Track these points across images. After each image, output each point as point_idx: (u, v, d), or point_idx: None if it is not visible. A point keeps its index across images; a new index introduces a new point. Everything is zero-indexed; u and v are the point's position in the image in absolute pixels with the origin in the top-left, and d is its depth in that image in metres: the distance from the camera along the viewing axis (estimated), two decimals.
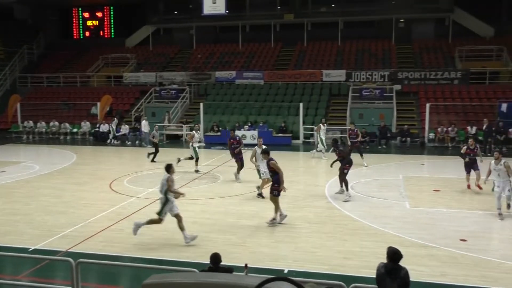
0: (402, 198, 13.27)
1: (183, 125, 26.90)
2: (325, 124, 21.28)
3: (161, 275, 3.71)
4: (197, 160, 17.43)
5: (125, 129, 26.85)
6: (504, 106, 23.87)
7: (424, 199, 13.15)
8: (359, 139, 19.02)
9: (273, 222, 10.81)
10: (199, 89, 31.76)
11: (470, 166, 14.14)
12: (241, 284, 3.42)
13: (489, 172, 11.87)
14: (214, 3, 24.74)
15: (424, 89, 27.74)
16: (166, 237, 10.06)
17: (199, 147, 18.13)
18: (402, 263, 5.72)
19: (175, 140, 26.54)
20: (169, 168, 9.79)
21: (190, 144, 17.49)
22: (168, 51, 37.36)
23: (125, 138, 26.34)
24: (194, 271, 5.65)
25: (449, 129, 23.55)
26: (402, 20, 34.14)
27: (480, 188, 13.70)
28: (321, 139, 20.41)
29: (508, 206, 11.32)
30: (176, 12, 38.11)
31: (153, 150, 20.13)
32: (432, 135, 23.97)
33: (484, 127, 22.03)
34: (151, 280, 3.60)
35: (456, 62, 29.72)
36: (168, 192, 9.65)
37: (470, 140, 14.63)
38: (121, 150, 24.29)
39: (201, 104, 27.18)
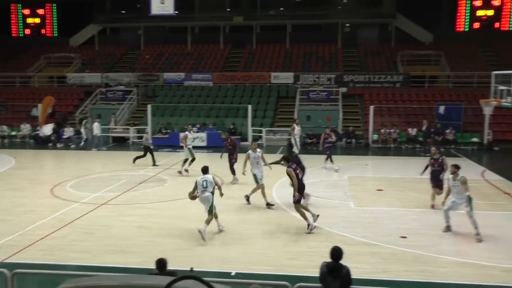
0: (347, 198, 13.65)
1: (130, 127, 26.32)
2: (299, 125, 21.54)
3: (77, 279, 3.59)
4: (192, 161, 17.21)
5: (69, 132, 25.95)
6: (441, 109, 25.11)
7: (367, 198, 13.58)
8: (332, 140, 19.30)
9: (311, 229, 10.36)
10: (147, 91, 31.24)
11: (436, 179, 12.55)
12: (153, 284, 3.35)
13: (449, 191, 10.50)
14: (163, 3, 24.37)
15: (368, 91, 28.68)
16: (110, 243, 9.81)
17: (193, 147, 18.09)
18: (346, 261, 5.90)
19: (121, 143, 25.92)
20: (207, 169, 10.72)
21: (185, 145, 17.36)
22: (115, 51, 36.50)
23: (68, 141, 25.44)
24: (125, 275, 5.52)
25: (392, 130, 24.46)
26: (348, 24, 35.11)
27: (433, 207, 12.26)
28: (294, 140, 20.75)
29: (476, 233, 9.87)
30: (123, 12, 37.32)
31: (141, 153, 19.15)
32: (375, 137, 24.80)
33: (423, 128, 23.04)
34: (66, 285, 3.45)
35: (398, 66, 30.95)
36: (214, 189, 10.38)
37: (432, 149, 13.07)
38: (65, 153, 23.40)
39: (149, 106, 26.73)
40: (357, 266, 8.04)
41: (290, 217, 11.64)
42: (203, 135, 24.47)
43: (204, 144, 24.09)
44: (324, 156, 18.10)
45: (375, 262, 8.72)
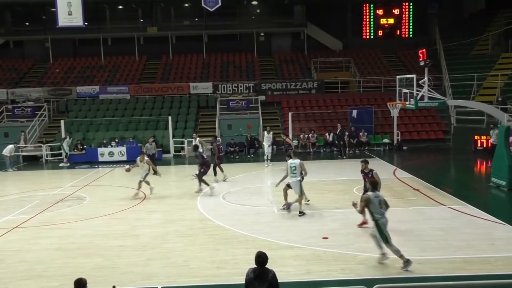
0: (271, 204, 13.90)
1: (42, 144, 24.87)
2: (270, 133, 21.60)
3: None
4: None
5: None
6: (354, 112, 26.51)
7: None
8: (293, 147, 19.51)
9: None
10: (59, 106, 29.72)
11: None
12: None
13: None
14: (70, 14, 23.24)
15: (286, 99, 29.52)
16: (25, 268, 9.20)
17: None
18: (271, 265, 6.01)
19: (33, 162, 24.39)
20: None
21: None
22: (21, 65, 34.42)
23: None
24: None
25: (310, 135, 25.34)
26: (262, 34, 35.95)
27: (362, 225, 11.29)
28: (263, 145, 21.08)
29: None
30: (28, 24, 35.28)
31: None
32: (295, 142, 25.52)
33: (337, 132, 24.11)
34: None
35: (313, 73, 32.19)
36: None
37: (361, 164, 11.76)
38: None
39: (62, 121, 25.44)
40: (281, 269, 8.24)
41: (215, 227, 11.64)
42: (123, 149, 23.72)
43: (124, 158, 23.36)
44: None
45: (298, 264, 8.96)
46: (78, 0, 23.89)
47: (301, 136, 25.37)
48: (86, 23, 24.98)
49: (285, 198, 12.90)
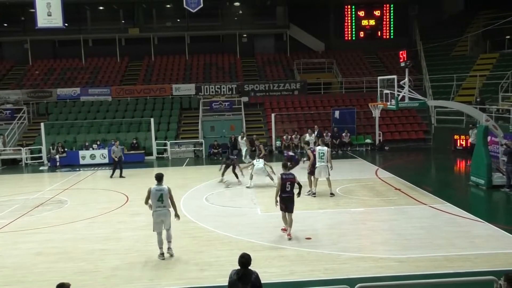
0: (254, 205, 13.92)
1: (22, 148, 24.45)
2: (244, 138, 21.87)
3: None
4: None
5: None
6: (337, 113, 26.67)
7: (273, 204, 13.91)
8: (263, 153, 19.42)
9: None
10: (39, 108, 29.27)
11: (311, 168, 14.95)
12: None
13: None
14: (50, 15, 22.88)
15: (269, 100, 29.56)
16: (4, 274, 9.04)
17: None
18: (254, 267, 6.00)
19: (12, 166, 23.97)
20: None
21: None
22: None
23: None
24: None
25: (293, 136, 25.43)
26: (245, 35, 35.97)
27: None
28: (240, 149, 21.28)
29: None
30: (5, 24, 34.69)
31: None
32: (278, 143, 25.62)
33: (315, 133, 24.24)
34: None
35: (295, 74, 32.31)
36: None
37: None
38: None
39: (42, 124, 25.05)
40: (265, 270, 8.28)
41: (198, 229, 11.60)
42: (105, 151, 23.45)
43: (106, 161, 23.10)
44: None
45: (282, 265, 8.99)
46: (58, 0, 23.58)
47: (284, 137, 25.43)
48: (66, 24, 24.67)
49: (310, 185, 14.70)
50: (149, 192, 9.56)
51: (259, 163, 16.30)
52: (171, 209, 9.58)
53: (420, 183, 16.08)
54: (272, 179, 16.03)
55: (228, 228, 11.51)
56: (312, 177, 14.72)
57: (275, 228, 11.40)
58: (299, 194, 10.98)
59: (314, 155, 14.57)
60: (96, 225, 12.37)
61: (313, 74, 31.85)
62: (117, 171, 19.37)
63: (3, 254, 10.19)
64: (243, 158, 20.83)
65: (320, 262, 9.08)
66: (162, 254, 9.53)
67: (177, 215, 9.72)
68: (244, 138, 22.02)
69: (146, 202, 9.71)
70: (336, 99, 29.85)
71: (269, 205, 13.65)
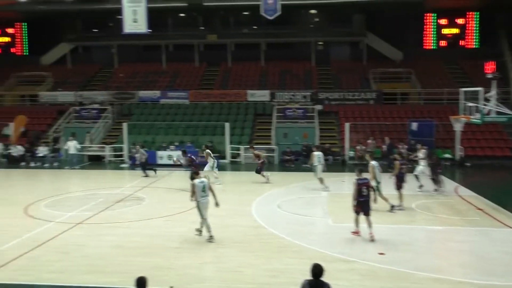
0: (325, 214, 13.76)
1: (106, 145, 26.01)
2: (254, 149, 21.78)
3: None
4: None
5: (43, 150, 25.48)
6: (414, 125, 25.62)
7: (345, 215, 13.63)
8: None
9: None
10: (122, 109, 30.99)
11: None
12: None
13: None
14: (135, 21, 24.27)
15: (343, 109, 29.12)
16: (86, 262, 9.64)
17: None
18: (325, 278, 5.95)
19: (97, 162, 25.54)
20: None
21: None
22: (88, 69, 36.14)
23: (43, 160, 24.92)
24: None
25: (369, 141, 24.68)
26: (320, 42, 35.77)
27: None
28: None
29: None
30: (95, 30, 37.12)
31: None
32: (352, 153, 25.11)
33: (386, 145, 23.49)
34: None
35: (371, 83, 31.59)
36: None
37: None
38: (38, 172, 22.94)
39: (124, 124, 26.49)
40: (336, 283, 8.10)
41: (269, 235, 11.67)
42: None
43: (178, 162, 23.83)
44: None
45: (353, 278, 8.80)
46: (143, 8, 24.93)
47: (358, 147, 24.83)
48: (149, 30, 25.96)
49: (387, 200, 13.95)
50: (194, 185, 11.08)
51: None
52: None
53: (506, 204, 14.94)
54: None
55: (299, 236, 11.45)
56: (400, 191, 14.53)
57: (346, 239, 11.20)
58: (375, 200, 11.77)
59: (401, 168, 14.42)
60: (171, 223, 12.85)
61: (389, 84, 30.94)
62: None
63: (86, 244, 10.88)
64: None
65: (392, 279, 8.77)
66: (211, 236, 11.00)
67: (217, 203, 11.28)
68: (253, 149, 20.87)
69: (192, 195, 11.13)
70: (413, 110, 28.75)
71: (340, 215, 13.48)
